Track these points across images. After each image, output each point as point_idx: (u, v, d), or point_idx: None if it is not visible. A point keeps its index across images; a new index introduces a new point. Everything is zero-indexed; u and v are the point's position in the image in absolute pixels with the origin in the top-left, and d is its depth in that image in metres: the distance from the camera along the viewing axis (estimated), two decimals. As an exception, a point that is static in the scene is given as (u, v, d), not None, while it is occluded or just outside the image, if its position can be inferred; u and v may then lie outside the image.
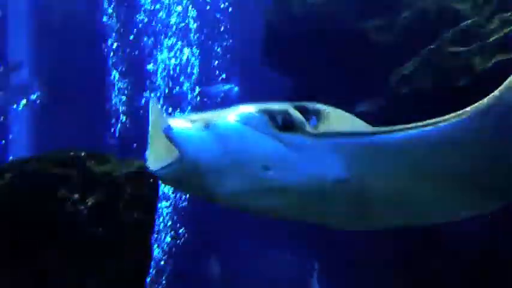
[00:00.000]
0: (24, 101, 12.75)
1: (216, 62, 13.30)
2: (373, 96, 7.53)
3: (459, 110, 2.28)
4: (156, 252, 11.66)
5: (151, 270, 11.18)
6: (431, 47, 6.72)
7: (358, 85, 7.85)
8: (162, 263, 11.93)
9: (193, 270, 11.93)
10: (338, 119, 2.71)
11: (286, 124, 2.42)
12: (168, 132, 2.36)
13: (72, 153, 3.98)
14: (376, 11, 8.03)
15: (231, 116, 2.38)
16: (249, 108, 2.42)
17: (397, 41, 7.66)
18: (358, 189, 2.52)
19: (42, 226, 3.72)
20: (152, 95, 12.35)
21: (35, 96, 12.77)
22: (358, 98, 7.69)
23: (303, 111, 2.54)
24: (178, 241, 12.06)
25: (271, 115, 2.41)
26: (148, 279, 4.36)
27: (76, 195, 3.79)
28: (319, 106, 2.67)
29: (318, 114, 2.60)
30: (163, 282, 11.82)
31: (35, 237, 3.70)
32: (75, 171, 3.88)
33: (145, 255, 4.23)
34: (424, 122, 2.27)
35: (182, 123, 2.39)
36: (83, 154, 3.99)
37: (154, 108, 3.41)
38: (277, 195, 2.51)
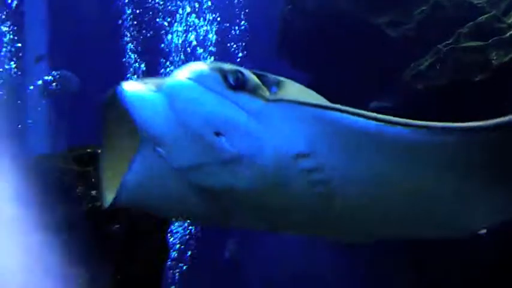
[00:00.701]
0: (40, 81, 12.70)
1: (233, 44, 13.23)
2: (388, 92, 7.49)
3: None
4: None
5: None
6: (448, 42, 6.67)
7: (372, 81, 7.81)
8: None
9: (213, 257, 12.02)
10: (301, 94, 2.49)
11: (239, 84, 2.19)
12: (120, 95, 2.23)
13: (89, 150, 4.02)
14: (391, 6, 7.97)
15: (181, 74, 2.19)
16: (200, 65, 2.20)
17: (412, 36, 7.60)
18: (321, 173, 2.31)
19: (62, 223, 3.76)
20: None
21: (52, 78, 12.75)
22: (373, 94, 7.66)
23: (263, 78, 2.33)
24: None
25: (223, 73, 2.18)
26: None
27: (93, 192, 3.83)
28: (281, 78, 2.45)
29: (278, 84, 2.37)
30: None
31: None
32: (93, 169, 3.92)
33: (161, 251, 4.26)
34: (390, 119, 2.10)
35: (135, 86, 2.24)
36: (99, 151, 4.02)
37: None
38: (230, 169, 2.29)
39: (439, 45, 6.75)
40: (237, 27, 13.21)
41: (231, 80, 2.21)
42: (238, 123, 2.22)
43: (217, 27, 12.92)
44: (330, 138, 2.22)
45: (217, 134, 2.22)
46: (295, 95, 2.35)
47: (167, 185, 2.62)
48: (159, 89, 2.22)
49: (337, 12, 8.32)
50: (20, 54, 12.00)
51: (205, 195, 2.54)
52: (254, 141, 2.25)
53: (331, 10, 8.39)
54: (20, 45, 11.91)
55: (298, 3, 8.86)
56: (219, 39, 12.91)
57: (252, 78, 2.27)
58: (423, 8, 7.59)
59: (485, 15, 6.61)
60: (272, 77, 2.40)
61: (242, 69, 2.27)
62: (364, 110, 2.94)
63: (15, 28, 11.90)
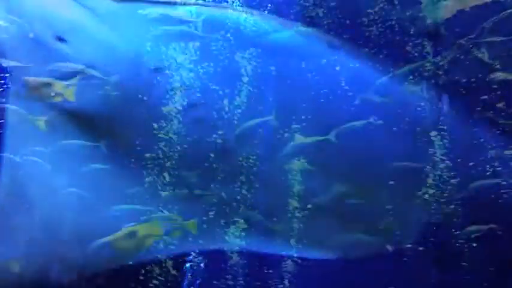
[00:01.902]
0: None
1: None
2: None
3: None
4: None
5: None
6: (470, 36, 6.64)
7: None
8: None
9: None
10: None
11: None
12: None
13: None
14: (412, 0, 7.91)
15: None
16: None
17: (434, 30, 7.54)
18: (192, 94, 1.81)
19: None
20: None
21: None
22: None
23: None
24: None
25: None
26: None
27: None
28: None
29: None
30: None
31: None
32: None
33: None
34: None
35: None
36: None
37: None
38: (83, 83, 1.79)
39: (461, 40, 6.72)
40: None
41: None
42: (81, 24, 1.79)
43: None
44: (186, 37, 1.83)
45: (60, 39, 1.82)
46: None
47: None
48: None
49: (357, 7, 8.27)
50: None
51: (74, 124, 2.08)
52: (102, 47, 1.84)
53: (350, 4, 8.34)
54: None
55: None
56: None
57: None
58: (445, 2, 7.52)
59: (508, 10, 6.55)
60: None
61: None
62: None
63: None
